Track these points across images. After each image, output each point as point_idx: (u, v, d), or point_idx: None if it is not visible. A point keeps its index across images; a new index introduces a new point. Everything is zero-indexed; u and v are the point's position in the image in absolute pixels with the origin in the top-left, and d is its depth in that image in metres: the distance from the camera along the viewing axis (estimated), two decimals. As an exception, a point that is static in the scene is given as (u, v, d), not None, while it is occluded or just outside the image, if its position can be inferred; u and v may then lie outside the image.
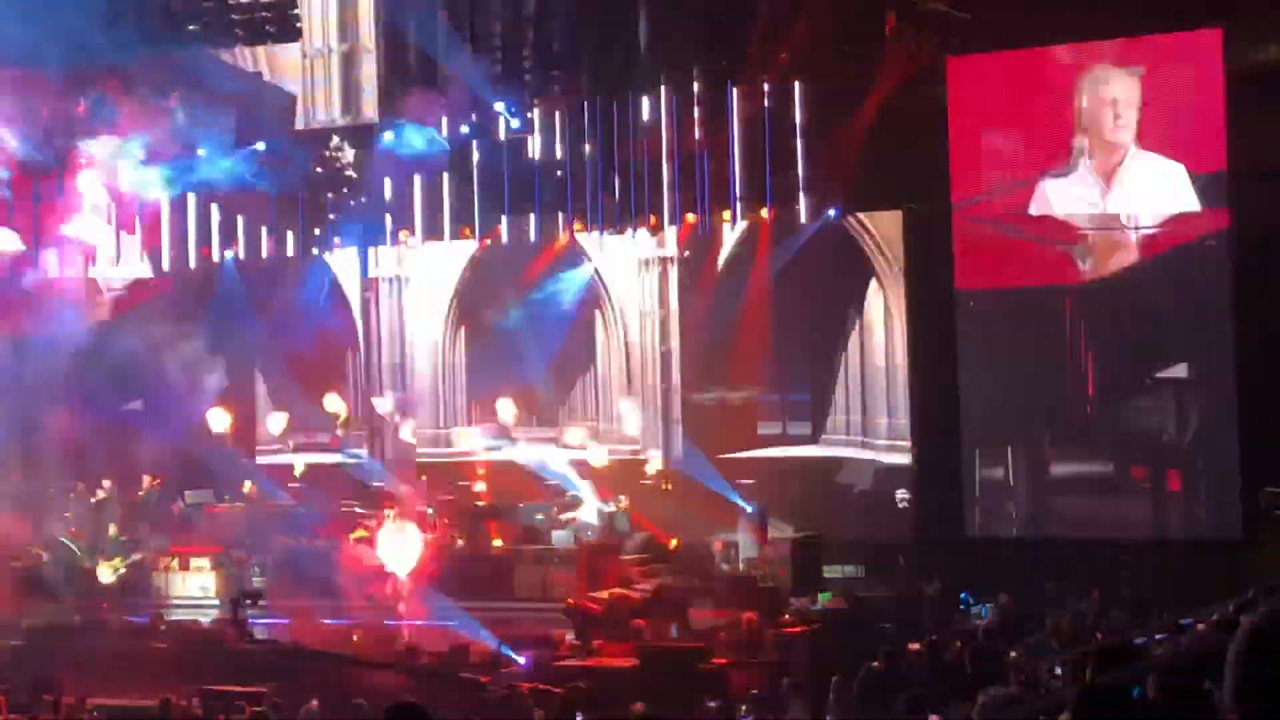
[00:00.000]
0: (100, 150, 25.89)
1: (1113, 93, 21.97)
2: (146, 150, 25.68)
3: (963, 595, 21.26)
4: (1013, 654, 15.63)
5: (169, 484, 25.85)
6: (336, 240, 27.00)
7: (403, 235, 26.57)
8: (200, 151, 25.70)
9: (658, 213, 24.53)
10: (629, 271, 25.98)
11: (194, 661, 20.79)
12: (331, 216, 26.61)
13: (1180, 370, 21.96)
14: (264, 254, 27.37)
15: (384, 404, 27.29)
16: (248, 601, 22.46)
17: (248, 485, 25.80)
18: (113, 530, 24.91)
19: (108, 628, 22.59)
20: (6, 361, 25.53)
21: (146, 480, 25.72)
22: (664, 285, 25.73)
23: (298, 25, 25.82)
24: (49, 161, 26.29)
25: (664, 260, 25.69)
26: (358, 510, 24.82)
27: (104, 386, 25.46)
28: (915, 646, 16.60)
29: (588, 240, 25.89)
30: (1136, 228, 22.02)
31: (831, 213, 24.14)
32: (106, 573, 23.80)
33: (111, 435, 25.32)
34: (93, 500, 25.30)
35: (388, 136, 25.57)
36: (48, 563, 24.50)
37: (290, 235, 27.04)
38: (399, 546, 23.18)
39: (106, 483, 25.45)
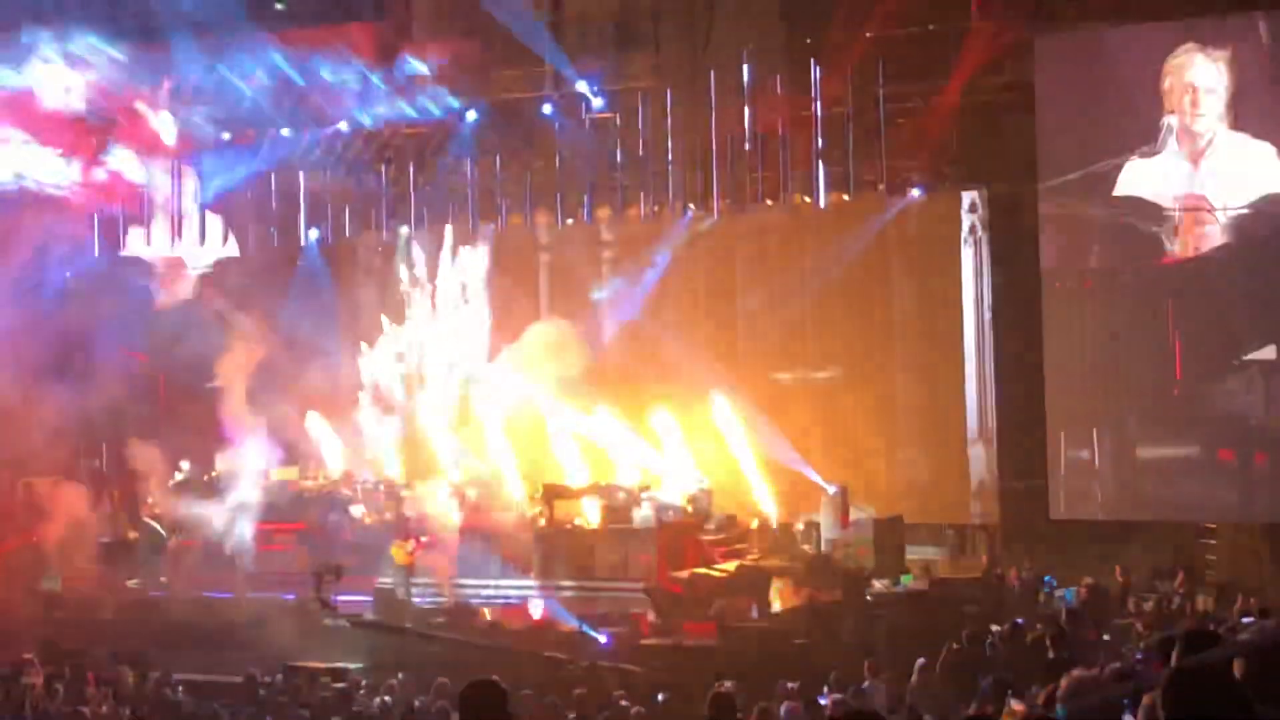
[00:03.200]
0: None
1: (1195, 77, 21.66)
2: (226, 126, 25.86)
3: (1046, 579, 21.11)
4: (1104, 636, 15.51)
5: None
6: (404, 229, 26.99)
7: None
8: (284, 131, 25.79)
9: (739, 193, 24.39)
10: (707, 251, 25.92)
11: (278, 636, 20.97)
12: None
13: (1269, 352, 21.61)
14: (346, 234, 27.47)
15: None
16: (330, 577, 22.61)
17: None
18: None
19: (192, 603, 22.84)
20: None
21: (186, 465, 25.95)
22: (745, 264, 25.63)
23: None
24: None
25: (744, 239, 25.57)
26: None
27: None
28: (998, 629, 16.52)
29: (666, 220, 25.82)
30: (1225, 208, 21.71)
31: (915, 193, 23.98)
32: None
33: (196, 413, 25.53)
34: (173, 480, 25.55)
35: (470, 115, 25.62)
36: (135, 540, 24.77)
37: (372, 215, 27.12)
38: None
39: (185, 464, 25.71)
